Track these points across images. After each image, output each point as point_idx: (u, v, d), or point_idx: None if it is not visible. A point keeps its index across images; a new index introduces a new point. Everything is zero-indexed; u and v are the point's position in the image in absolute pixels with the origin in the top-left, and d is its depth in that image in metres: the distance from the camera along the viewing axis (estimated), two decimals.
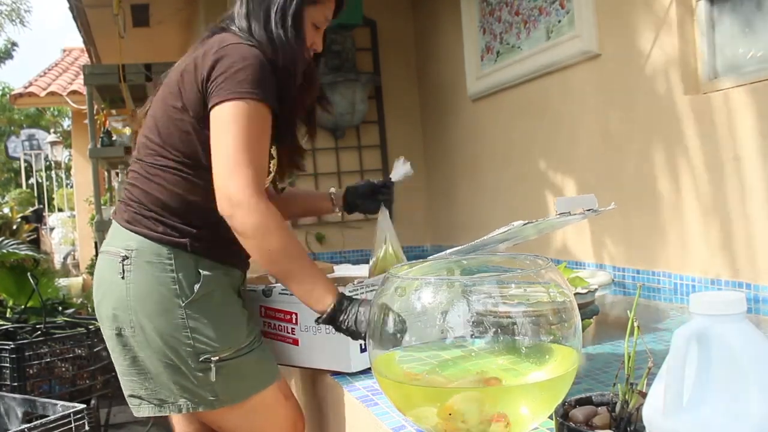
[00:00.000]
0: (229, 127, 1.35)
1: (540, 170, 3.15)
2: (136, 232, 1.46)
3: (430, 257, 1.07)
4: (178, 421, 1.70)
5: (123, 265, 1.44)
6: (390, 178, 1.75)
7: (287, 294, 1.53)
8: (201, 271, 1.45)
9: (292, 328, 1.56)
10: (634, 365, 0.81)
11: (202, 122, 1.41)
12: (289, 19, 1.47)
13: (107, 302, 1.46)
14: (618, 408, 0.82)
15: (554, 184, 3.07)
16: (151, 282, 1.43)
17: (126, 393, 1.50)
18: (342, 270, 1.86)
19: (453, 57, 3.94)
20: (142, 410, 1.47)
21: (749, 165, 2.06)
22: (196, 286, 1.43)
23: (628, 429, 0.81)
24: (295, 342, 1.56)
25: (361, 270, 1.83)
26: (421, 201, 4.49)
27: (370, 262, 1.73)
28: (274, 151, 1.52)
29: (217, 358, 1.42)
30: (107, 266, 1.48)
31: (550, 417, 0.83)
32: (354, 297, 1.37)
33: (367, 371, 1.48)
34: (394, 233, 1.73)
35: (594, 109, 2.76)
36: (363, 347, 1.48)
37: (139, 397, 1.47)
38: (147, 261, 1.44)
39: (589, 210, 1.21)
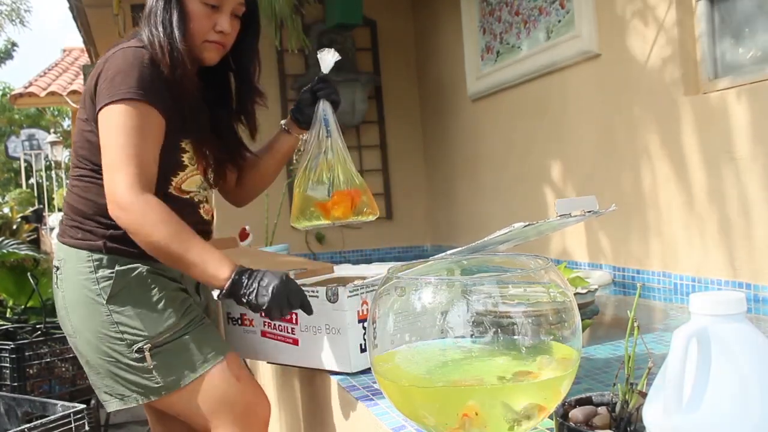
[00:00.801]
0: (107, 131, 1.42)
1: (540, 170, 3.15)
2: (63, 243, 1.55)
3: (431, 257, 1.07)
4: (149, 418, 1.77)
5: (57, 275, 1.55)
6: (322, 73, 1.67)
7: None
8: (118, 267, 1.49)
9: (292, 328, 1.56)
10: (634, 365, 0.81)
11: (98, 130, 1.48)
12: (166, 12, 1.48)
13: (57, 312, 1.59)
14: (618, 408, 0.82)
15: (554, 184, 3.07)
16: (77, 287, 1.51)
17: (96, 391, 1.58)
18: (342, 270, 1.86)
19: (453, 57, 3.94)
20: (111, 405, 1.53)
21: (749, 165, 2.06)
22: (113, 282, 1.49)
23: (628, 429, 0.81)
24: (295, 342, 1.56)
25: (361, 270, 1.83)
26: (421, 201, 4.49)
27: (302, 167, 1.66)
28: (187, 145, 1.55)
29: (150, 345, 1.47)
30: (52, 279, 1.60)
31: (550, 417, 0.83)
32: (255, 270, 1.38)
33: (367, 371, 1.48)
34: (337, 130, 1.66)
35: (594, 109, 2.76)
36: (363, 347, 1.48)
37: (107, 393, 1.54)
38: (72, 268, 1.52)
39: (589, 211, 1.21)
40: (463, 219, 4.00)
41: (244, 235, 3.37)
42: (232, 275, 1.36)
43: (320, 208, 1.61)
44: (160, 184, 1.46)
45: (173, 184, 1.54)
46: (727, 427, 0.57)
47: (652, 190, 2.46)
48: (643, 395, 0.79)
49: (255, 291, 1.34)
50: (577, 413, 0.84)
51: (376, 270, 1.79)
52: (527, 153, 3.26)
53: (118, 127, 1.40)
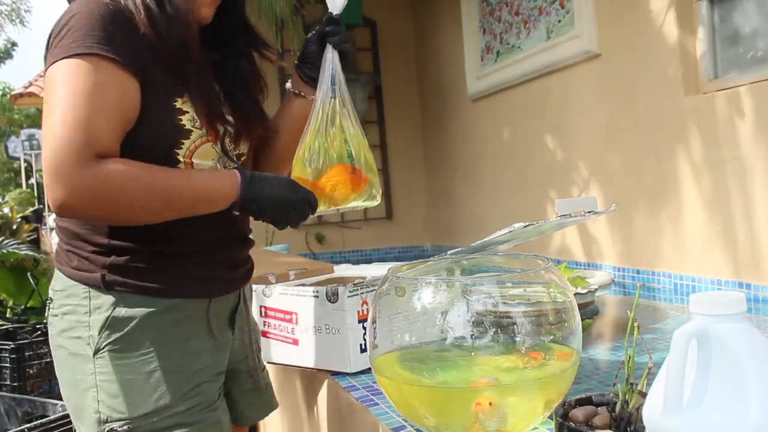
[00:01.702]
0: (46, 94, 1.06)
1: (540, 170, 3.15)
2: (58, 270, 1.19)
3: (431, 257, 1.07)
4: None
5: (49, 308, 1.20)
6: (331, 13, 1.35)
7: (287, 294, 1.53)
8: (119, 309, 1.12)
9: (292, 328, 1.56)
10: (634, 365, 0.81)
11: None
12: None
13: None
14: (618, 408, 0.82)
15: (554, 184, 3.07)
16: (66, 330, 1.15)
17: None
18: (342, 270, 1.86)
19: (453, 57, 3.94)
20: None
21: (749, 165, 2.06)
22: (107, 331, 1.11)
23: (628, 429, 0.81)
24: (295, 342, 1.56)
25: (361, 270, 1.83)
26: (421, 201, 4.49)
27: (310, 126, 1.31)
28: (185, 105, 1.15)
29: (127, 429, 1.11)
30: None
31: (550, 417, 0.83)
32: (257, 175, 1.15)
33: (367, 371, 1.48)
34: (344, 89, 1.33)
35: (594, 109, 2.76)
36: (363, 347, 1.49)
37: None
38: (64, 304, 1.16)
39: (589, 212, 1.21)
40: (463, 219, 4.00)
41: None
42: (239, 186, 1.11)
43: (313, 189, 1.26)
44: (163, 163, 1.11)
45: (181, 158, 1.14)
46: (727, 427, 0.57)
47: (652, 190, 2.46)
48: (643, 395, 0.79)
49: (270, 203, 1.13)
50: (577, 413, 0.84)
51: (376, 270, 1.79)
52: (527, 153, 3.26)
53: (56, 88, 1.03)
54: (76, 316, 1.13)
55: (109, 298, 1.12)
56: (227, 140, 1.23)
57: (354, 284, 1.48)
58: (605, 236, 2.74)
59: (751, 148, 2.05)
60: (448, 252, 1.26)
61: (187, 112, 1.15)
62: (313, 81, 1.36)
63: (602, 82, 2.71)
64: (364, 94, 4.24)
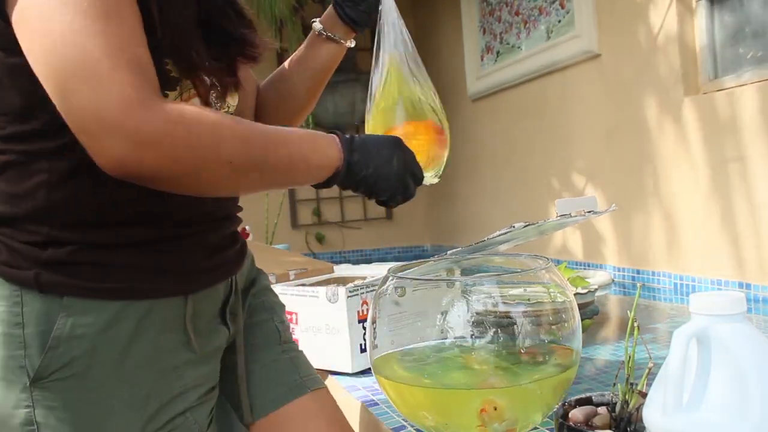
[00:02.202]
0: (42, 18, 0.71)
1: (540, 170, 3.15)
2: None
3: (431, 257, 1.07)
4: None
5: None
6: None
7: (287, 294, 1.53)
8: (63, 321, 0.81)
9: (292, 328, 1.56)
10: (634, 365, 0.81)
11: (15, 47, 0.75)
12: None
13: None
14: (618, 408, 0.82)
15: (554, 184, 3.07)
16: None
17: None
18: (342, 270, 1.86)
19: (453, 57, 3.94)
20: None
21: (749, 165, 2.06)
22: (51, 354, 0.81)
23: (628, 429, 0.81)
24: (295, 342, 1.56)
25: (361, 270, 1.83)
26: (421, 201, 4.49)
27: (373, 95, 1.08)
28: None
29: None
30: None
31: (550, 417, 0.83)
32: (361, 139, 0.89)
33: (367, 371, 1.48)
34: (408, 36, 1.07)
35: (594, 109, 2.76)
36: (363, 347, 1.48)
37: None
38: None
39: (589, 211, 1.21)
40: (463, 219, 4.00)
41: (243, 234, 3.37)
42: (344, 158, 0.86)
43: None
44: None
45: None
46: (727, 427, 0.57)
47: (652, 190, 2.46)
48: (643, 395, 0.79)
49: (374, 175, 0.89)
50: (577, 413, 0.84)
51: (376, 270, 1.79)
52: (527, 153, 3.26)
53: (66, 5, 0.70)
54: (5, 327, 0.82)
55: (49, 306, 0.81)
56: (213, 94, 0.93)
57: (354, 284, 1.48)
58: (605, 236, 2.74)
59: (751, 148, 2.05)
60: (448, 252, 1.26)
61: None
62: (354, 23, 1.17)
63: (602, 82, 2.71)
64: (364, 94, 4.24)
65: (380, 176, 0.89)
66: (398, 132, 1.01)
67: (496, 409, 0.70)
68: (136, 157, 0.71)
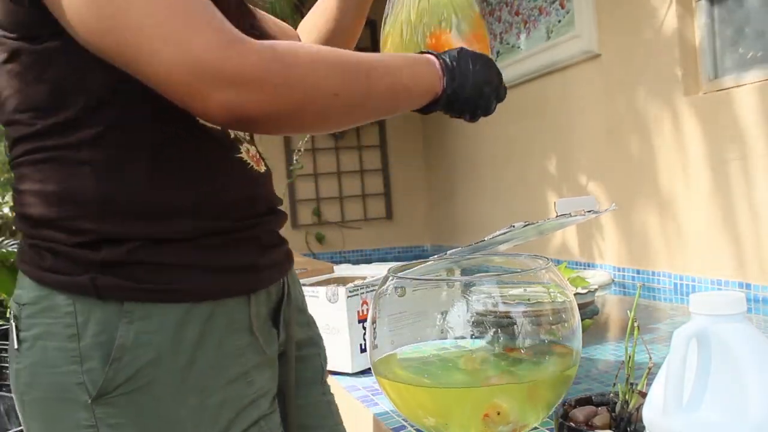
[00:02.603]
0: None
1: (540, 170, 3.15)
2: (23, 272, 0.80)
3: (431, 257, 1.07)
4: None
5: (16, 331, 0.78)
6: None
7: None
8: (127, 329, 0.74)
9: None
10: (634, 365, 0.81)
11: (42, 34, 0.73)
12: None
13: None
14: (618, 408, 0.82)
15: (554, 184, 3.07)
16: (43, 361, 0.76)
17: None
18: (342, 270, 1.86)
19: None
20: None
21: (749, 165, 2.06)
22: (116, 366, 0.74)
23: (628, 429, 0.81)
24: None
25: (361, 270, 1.83)
26: (421, 201, 4.49)
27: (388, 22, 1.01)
28: None
29: None
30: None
31: (550, 417, 0.83)
32: (455, 58, 0.85)
33: (367, 371, 1.48)
34: None
35: (594, 109, 2.76)
36: (363, 347, 1.49)
37: None
38: (35, 324, 0.77)
39: (589, 211, 1.21)
40: (463, 219, 4.00)
41: None
42: (444, 85, 0.83)
43: None
44: (168, 111, 0.73)
45: None
46: (727, 427, 0.57)
47: (652, 190, 2.46)
48: (643, 395, 0.79)
49: (471, 99, 0.86)
50: (577, 413, 0.84)
51: (376, 270, 1.79)
52: (527, 153, 3.26)
53: None
54: (57, 341, 0.75)
55: (108, 313, 0.74)
56: None
57: (354, 284, 1.48)
58: (605, 236, 2.75)
59: (752, 148, 2.05)
60: (448, 252, 1.26)
61: None
62: None
63: (602, 82, 2.71)
64: None
65: (476, 99, 0.86)
66: (456, 42, 0.96)
67: (499, 413, 0.70)
68: (243, 100, 0.68)
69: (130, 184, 0.76)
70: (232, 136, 0.85)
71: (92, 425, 0.75)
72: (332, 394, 1.07)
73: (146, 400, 0.75)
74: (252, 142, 0.91)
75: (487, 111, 0.89)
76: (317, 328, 1.07)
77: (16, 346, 0.78)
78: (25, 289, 0.79)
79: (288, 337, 0.93)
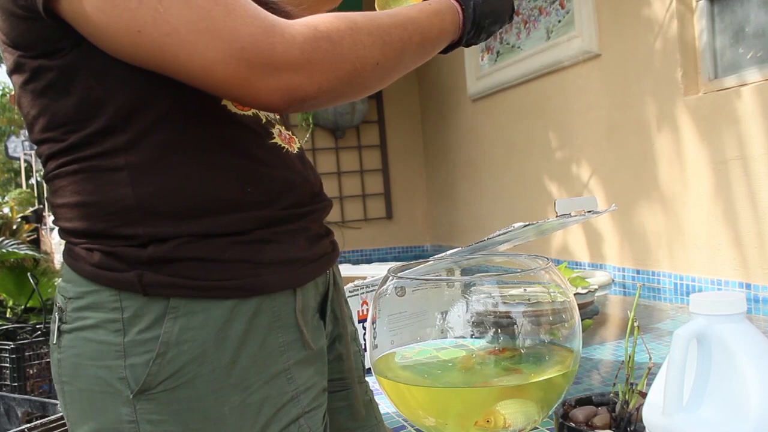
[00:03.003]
0: None
1: (540, 170, 3.15)
2: (70, 267, 0.80)
3: (431, 257, 1.07)
4: None
5: (58, 323, 0.80)
6: None
7: None
8: (172, 325, 0.75)
9: None
10: (634, 365, 0.81)
11: (63, 47, 0.72)
12: None
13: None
14: (618, 408, 0.82)
15: (554, 184, 3.07)
16: (87, 354, 0.77)
17: None
18: (342, 270, 1.87)
19: (453, 57, 3.94)
20: None
21: (749, 165, 2.06)
22: (156, 358, 0.74)
23: (628, 429, 0.81)
24: None
25: (361, 270, 1.83)
26: (421, 201, 4.49)
27: None
28: None
29: None
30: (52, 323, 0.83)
31: (550, 417, 0.83)
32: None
33: (367, 371, 1.48)
34: None
35: (594, 109, 2.76)
36: (363, 347, 1.48)
37: None
38: (81, 317, 0.77)
39: (589, 211, 1.21)
40: (463, 219, 4.00)
41: None
42: (463, 30, 0.86)
43: None
44: (201, 106, 0.76)
45: None
46: (727, 427, 0.57)
47: (652, 190, 2.46)
48: (643, 395, 0.79)
49: (490, 29, 0.89)
50: (577, 413, 0.84)
51: (376, 270, 1.79)
52: (527, 153, 3.26)
53: None
54: (102, 334, 0.75)
55: (154, 309, 0.75)
56: None
57: (354, 284, 1.48)
58: (605, 236, 2.74)
59: (752, 148, 2.05)
60: (448, 252, 1.26)
61: None
62: None
63: (602, 82, 2.71)
64: None
65: (494, 27, 0.89)
66: None
67: (489, 422, 0.70)
68: (298, 83, 0.69)
69: (170, 184, 0.75)
70: (263, 120, 0.83)
71: (133, 420, 0.75)
72: (372, 391, 1.04)
73: (189, 397, 0.75)
74: (281, 122, 0.89)
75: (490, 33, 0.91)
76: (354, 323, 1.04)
77: (56, 338, 0.79)
78: (72, 282, 0.79)
79: (340, 328, 0.93)
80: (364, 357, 1.03)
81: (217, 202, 0.77)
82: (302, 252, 0.83)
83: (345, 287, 1.43)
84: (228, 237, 0.77)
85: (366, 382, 1.03)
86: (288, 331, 0.81)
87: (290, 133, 0.88)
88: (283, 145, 0.84)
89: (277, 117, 0.88)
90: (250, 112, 0.80)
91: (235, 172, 0.78)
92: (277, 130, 0.85)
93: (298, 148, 0.87)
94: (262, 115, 0.83)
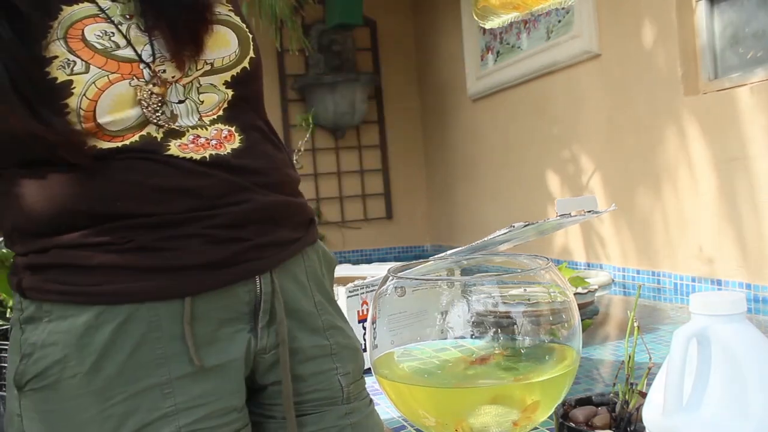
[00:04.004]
0: None
1: (540, 170, 3.15)
2: None
3: (431, 257, 1.07)
4: None
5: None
6: None
7: None
8: (37, 328, 0.77)
9: None
10: (634, 365, 0.81)
11: None
12: None
13: None
14: (618, 408, 0.82)
15: (554, 184, 3.07)
16: (9, 359, 0.82)
17: None
18: (342, 270, 1.86)
19: (453, 57, 3.94)
20: None
21: (749, 165, 2.06)
22: (26, 362, 0.77)
23: (628, 429, 0.81)
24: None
25: (361, 270, 1.83)
26: (421, 201, 4.49)
27: None
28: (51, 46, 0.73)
29: None
30: None
31: (551, 417, 0.83)
32: None
33: (367, 371, 1.48)
34: None
35: (594, 109, 2.76)
36: (363, 347, 1.48)
37: None
38: (12, 322, 0.83)
39: (589, 211, 1.21)
40: (463, 219, 4.00)
41: None
42: None
43: None
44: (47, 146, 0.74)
45: (82, 124, 0.74)
46: (727, 427, 0.57)
47: (652, 190, 2.46)
48: (643, 395, 0.79)
49: None
50: (577, 413, 0.84)
51: (376, 270, 1.79)
52: (527, 153, 3.26)
53: None
54: (14, 332, 0.80)
55: (34, 311, 0.77)
56: (159, 54, 0.78)
57: (354, 284, 1.48)
58: (605, 236, 2.74)
59: (752, 148, 2.05)
60: (448, 252, 1.26)
61: (60, 54, 0.73)
62: None
63: (602, 82, 2.71)
64: (364, 94, 4.24)
65: None
66: None
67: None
68: None
69: (33, 207, 0.77)
70: (160, 137, 0.78)
71: (19, 414, 0.78)
72: (366, 412, 0.93)
73: (52, 399, 0.76)
74: (218, 122, 0.82)
75: None
76: (345, 336, 0.93)
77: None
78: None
79: (279, 341, 0.84)
80: (351, 376, 0.92)
81: (87, 214, 0.76)
82: (195, 259, 0.77)
83: (345, 287, 1.43)
84: (100, 246, 0.76)
85: (355, 403, 0.92)
86: (171, 342, 0.77)
87: (213, 138, 0.81)
88: (180, 154, 0.78)
89: (201, 121, 0.81)
90: (128, 141, 0.76)
91: (105, 186, 0.76)
92: (184, 139, 0.79)
93: (213, 154, 0.79)
94: (157, 133, 0.78)
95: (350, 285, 1.48)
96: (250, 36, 0.85)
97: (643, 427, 0.67)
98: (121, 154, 0.76)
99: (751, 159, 2.05)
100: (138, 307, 0.76)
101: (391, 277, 0.79)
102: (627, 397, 0.81)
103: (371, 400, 0.96)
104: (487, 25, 0.88)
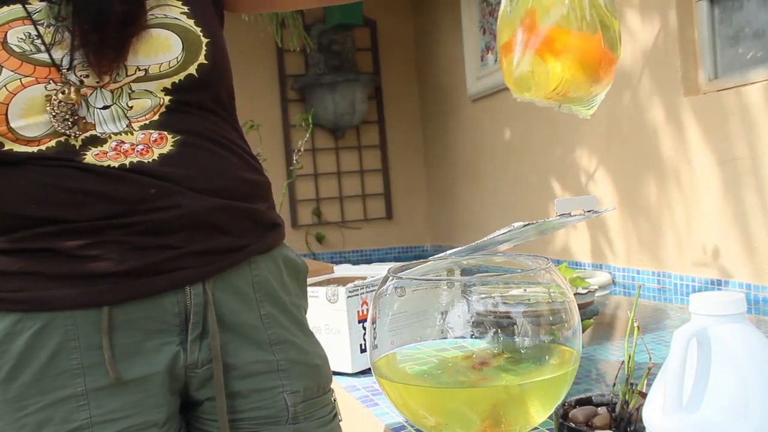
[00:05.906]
0: None
1: (540, 170, 3.15)
2: None
3: (431, 257, 1.07)
4: None
5: None
6: None
7: None
8: None
9: None
10: (634, 365, 0.81)
11: None
12: None
13: None
14: (618, 408, 0.82)
15: (554, 184, 3.07)
16: None
17: None
18: (342, 270, 1.86)
19: (453, 57, 3.94)
20: None
21: (749, 166, 2.06)
22: None
23: (628, 429, 0.81)
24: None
25: (361, 270, 1.83)
26: (421, 201, 4.49)
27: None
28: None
29: None
30: None
31: (550, 417, 0.83)
32: None
33: (367, 371, 1.48)
34: None
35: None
36: (363, 347, 1.49)
37: None
38: None
39: (589, 211, 1.21)
40: (463, 219, 4.00)
41: None
42: None
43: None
44: None
45: None
46: (727, 427, 0.57)
47: (652, 190, 2.46)
48: (643, 395, 0.79)
49: None
50: (577, 413, 0.84)
51: (376, 270, 1.79)
52: (527, 153, 3.26)
53: None
54: None
55: None
56: (77, 58, 0.74)
57: (354, 284, 1.48)
58: (606, 236, 2.75)
59: (752, 148, 2.05)
60: (448, 252, 1.26)
61: None
62: None
63: None
64: (364, 94, 4.24)
65: None
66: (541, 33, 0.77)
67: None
68: None
69: None
70: (78, 145, 0.75)
71: None
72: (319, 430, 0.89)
73: None
74: (149, 128, 0.78)
75: None
76: (300, 351, 0.88)
77: None
78: None
79: (213, 355, 0.80)
80: (300, 394, 0.87)
81: (2, 219, 0.75)
82: (113, 267, 0.74)
83: (345, 287, 1.43)
84: (19, 253, 0.75)
85: (298, 425, 0.86)
86: (88, 352, 0.75)
87: (140, 143, 0.77)
88: (97, 163, 0.75)
89: (129, 127, 0.78)
90: (44, 146, 0.74)
91: (18, 190, 0.75)
92: (105, 146, 0.76)
93: (137, 161, 0.76)
94: (75, 140, 0.75)
95: (350, 285, 1.48)
96: (205, 41, 0.79)
97: (643, 427, 0.67)
98: (37, 160, 0.74)
99: (752, 159, 2.05)
100: (56, 315, 0.74)
101: (391, 277, 0.79)
102: (627, 397, 0.81)
103: (332, 420, 0.91)
104: (519, 99, 0.85)
